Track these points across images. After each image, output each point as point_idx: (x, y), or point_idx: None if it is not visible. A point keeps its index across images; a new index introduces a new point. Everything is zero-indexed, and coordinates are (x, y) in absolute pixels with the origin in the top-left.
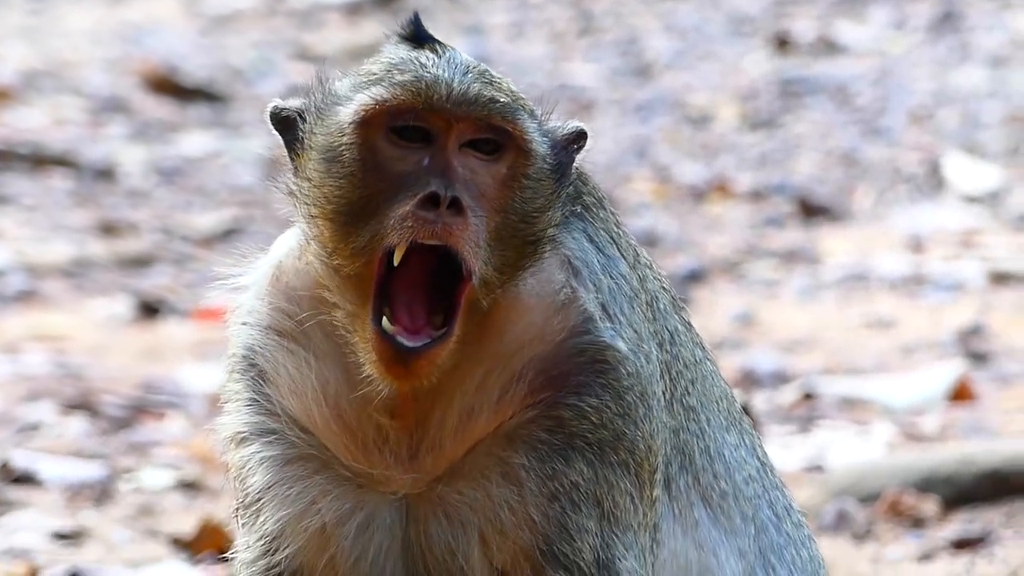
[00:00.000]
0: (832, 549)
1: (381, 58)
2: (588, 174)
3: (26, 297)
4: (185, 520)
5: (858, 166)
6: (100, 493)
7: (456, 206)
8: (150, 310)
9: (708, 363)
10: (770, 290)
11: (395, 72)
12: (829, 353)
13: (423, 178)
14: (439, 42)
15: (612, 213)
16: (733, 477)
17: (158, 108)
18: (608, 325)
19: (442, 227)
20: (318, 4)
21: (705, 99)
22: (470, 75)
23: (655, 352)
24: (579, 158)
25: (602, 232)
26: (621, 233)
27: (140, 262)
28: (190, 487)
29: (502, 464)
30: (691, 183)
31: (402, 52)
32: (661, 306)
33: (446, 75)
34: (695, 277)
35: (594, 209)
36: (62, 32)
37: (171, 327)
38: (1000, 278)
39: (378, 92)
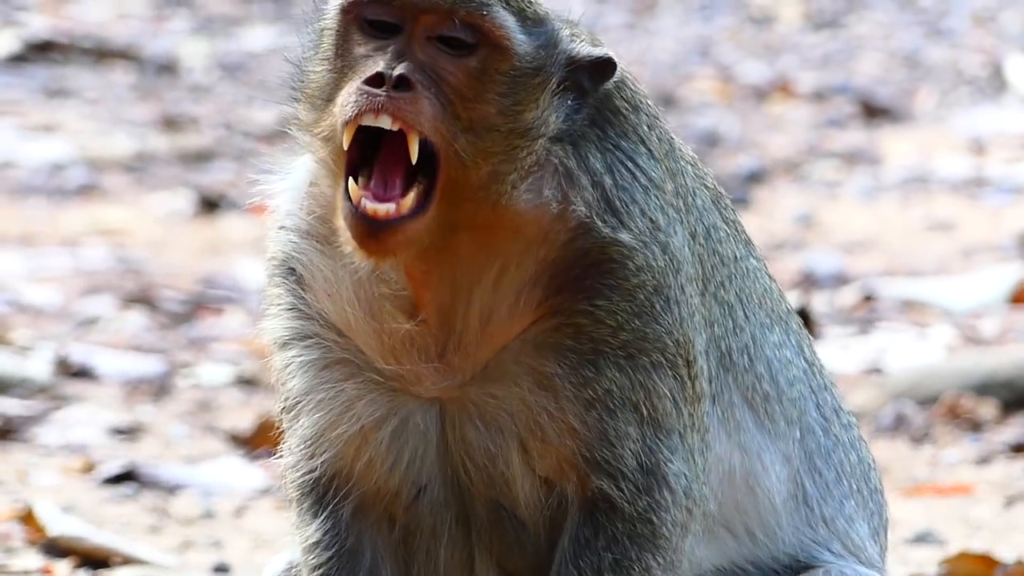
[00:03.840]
0: (890, 451)
1: None
2: (628, 79)
3: (87, 191)
4: (243, 416)
5: (920, 68)
6: (158, 388)
7: (404, 84)
8: (210, 205)
9: (752, 260)
10: (831, 191)
11: None
12: (889, 255)
13: (378, 62)
14: None
15: (648, 114)
16: (776, 378)
17: (221, 2)
18: (611, 220)
19: (387, 101)
20: None
21: None
22: None
23: (680, 240)
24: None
25: (626, 132)
26: (653, 129)
27: (201, 157)
28: (248, 383)
29: (534, 372)
30: (753, 83)
31: None
32: (698, 202)
33: None
34: (756, 177)
35: (623, 113)
36: None
37: (231, 222)
38: None
39: None
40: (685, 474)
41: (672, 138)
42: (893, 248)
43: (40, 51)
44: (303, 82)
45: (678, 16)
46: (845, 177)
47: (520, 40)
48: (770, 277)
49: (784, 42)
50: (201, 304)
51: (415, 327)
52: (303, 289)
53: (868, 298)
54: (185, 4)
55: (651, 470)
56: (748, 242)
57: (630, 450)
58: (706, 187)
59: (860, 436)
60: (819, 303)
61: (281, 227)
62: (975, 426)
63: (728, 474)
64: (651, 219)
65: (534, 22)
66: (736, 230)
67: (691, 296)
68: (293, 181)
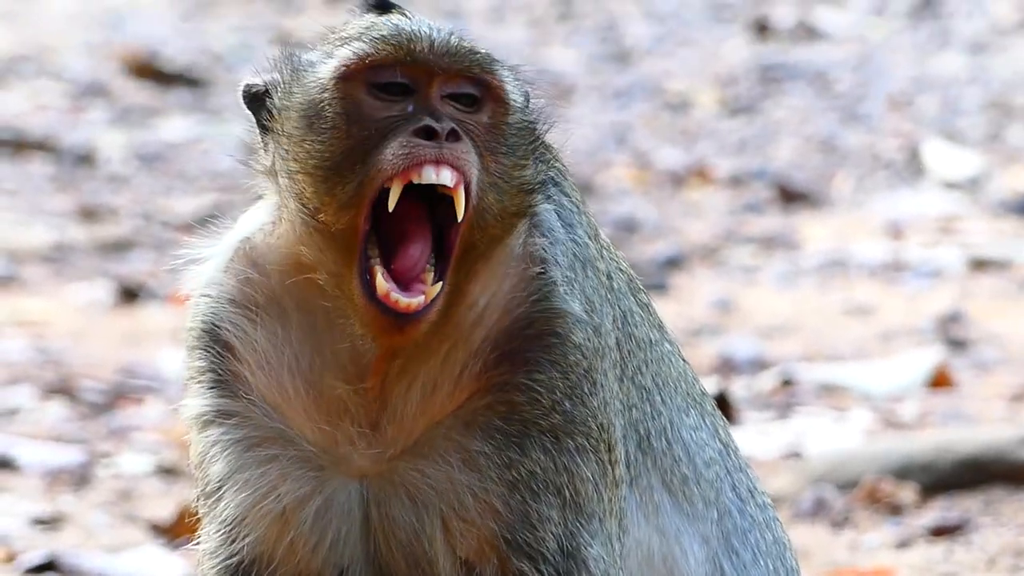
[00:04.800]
0: (810, 536)
1: (351, 24)
2: (555, 148)
3: (6, 282)
4: (163, 505)
5: (837, 152)
6: (78, 478)
7: (454, 135)
8: (130, 295)
9: (666, 344)
10: (749, 276)
11: (373, 30)
12: (808, 339)
13: (413, 119)
14: (404, 9)
15: (575, 189)
16: (693, 460)
17: (138, 93)
18: (565, 290)
19: (446, 152)
20: None
21: (684, 85)
22: (446, 31)
23: (608, 324)
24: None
25: (567, 201)
26: (583, 207)
27: (120, 247)
28: (168, 472)
29: (462, 450)
30: (670, 169)
31: (371, 18)
32: (615, 285)
33: (426, 29)
34: (674, 263)
35: (563, 179)
36: (43, 16)
37: (151, 312)
38: (979, 264)
39: (359, 47)
40: (604, 558)
41: (592, 219)
42: (812, 333)
43: None
44: (298, 158)
45: (594, 104)
46: (763, 262)
47: (516, 95)
48: (684, 360)
49: (701, 128)
50: (121, 394)
51: (356, 393)
52: (235, 360)
53: (787, 383)
54: (102, 95)
55: (571, 554)
56: (661, 326)
57: (551, 533)
58: (621, 271)
59: (775, 517)
60: (738, 388)
61: (204, 295)
62: (895, 510)
63: (647, 557)
64: (588, 298)
65: (519, 81)
66: (649, 313)
67: (611, 382)
68: (219, 250)
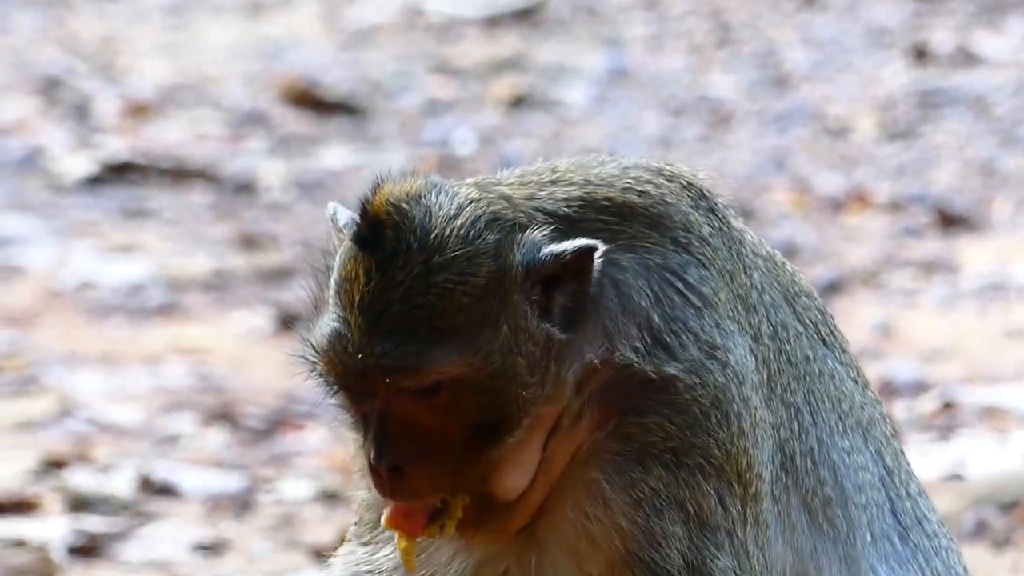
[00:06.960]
0: (971, 558)
1: (337, 272)
2: (708, 187)
3: (167, 310)
4: (325, 530)
5: (997, 176)
6: (240, 504)
7: (395, 471)
8: (290, 322)
9: (831, 362)
10: (909, 300)
11: (322, 336)
12: (969, 362)
13: (368, 432)
14: (380, 257)
15: (725, 218)
16: (841, 483)
17: (297, 122)
18: (660, 355)
19: (389, 488)
20: (456, 18)
21: (843, 110)
22: (379, 342)
23: (742, 351)
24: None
25: (675, 239)
26: (714, 235)
27: (280, 274)
28: (330, 497)
29: (585, 486)
30: (830, 194)
31: (346, 272)
32: (766, 298)
33: (356, 355)
34: (834, 287)
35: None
36: (202, 47)
37: None
38: None
39: (312, 354)
40: (734, 570)
41: (738, 233)
42: (972, 355)
43: (118, 172)
44: None
45: (753, 129)
46: (923, 286)
47: (472, 352)
48: (855, 381)
49: (860, 153)
50: (282, 420)
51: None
52: None
53: (948, 405)
54: (262, 124)
55: (697, 568)
56: (830, 343)
57: (676, 549)
58: (777, 283)
59: (948, 546)
60: (899, 411)
61: None
62: None
63: (781, 574)
64: (707, 341)
65: (473, 317)
66: (815, 333)
67: (755, 407)
68: None
